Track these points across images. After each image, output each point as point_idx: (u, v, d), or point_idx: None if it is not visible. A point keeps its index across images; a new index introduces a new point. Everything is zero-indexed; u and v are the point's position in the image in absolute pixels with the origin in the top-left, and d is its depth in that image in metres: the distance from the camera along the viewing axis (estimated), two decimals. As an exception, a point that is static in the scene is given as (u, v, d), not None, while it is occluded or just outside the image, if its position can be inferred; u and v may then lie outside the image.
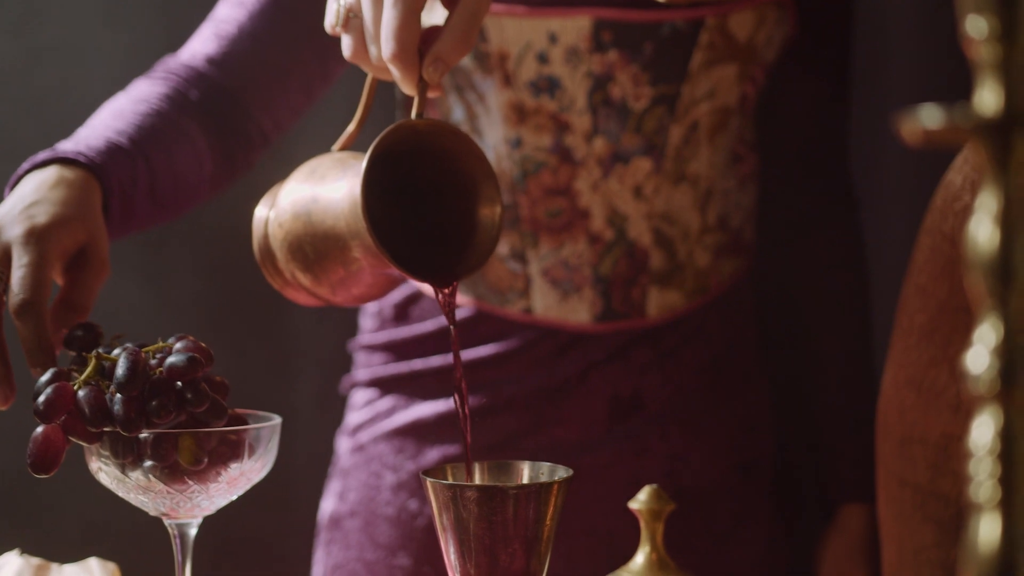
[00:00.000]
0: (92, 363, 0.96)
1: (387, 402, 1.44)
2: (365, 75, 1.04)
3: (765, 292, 1.50)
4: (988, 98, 0.53)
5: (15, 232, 1.04)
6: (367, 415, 1.45)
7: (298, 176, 1.04)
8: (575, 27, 1.30)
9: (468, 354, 1.40)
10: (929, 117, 0.53)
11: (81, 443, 0.96)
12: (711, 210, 1.40)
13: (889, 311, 1.32)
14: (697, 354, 1.41)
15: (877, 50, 1.64)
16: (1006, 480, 0.54)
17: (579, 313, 1.38)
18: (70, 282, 1.07)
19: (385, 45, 0.96)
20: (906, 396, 1.21)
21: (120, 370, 0.94)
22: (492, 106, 1.34)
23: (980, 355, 0.54)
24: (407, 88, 0.98)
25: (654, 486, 0.99)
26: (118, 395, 0.94)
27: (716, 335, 1.42)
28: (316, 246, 1.00)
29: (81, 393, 0.95)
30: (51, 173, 1.12)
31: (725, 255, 1.42)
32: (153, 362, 0.96)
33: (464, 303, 1.39)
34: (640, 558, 1.00)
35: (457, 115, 1.37)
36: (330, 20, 1.01)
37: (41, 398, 0.95)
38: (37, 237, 1.04)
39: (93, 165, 1.15)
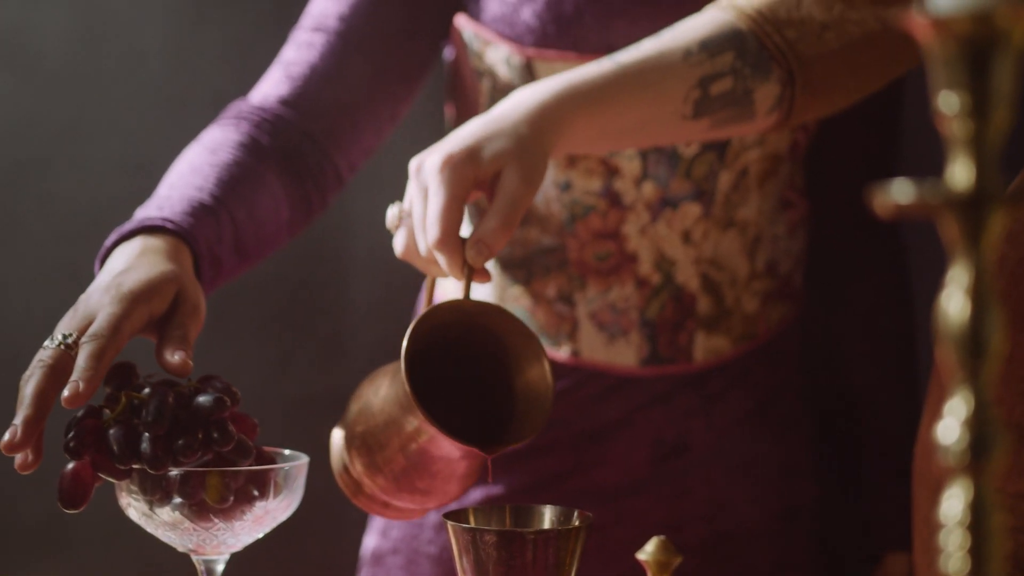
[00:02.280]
0: (123, 401, 0.98)
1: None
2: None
3: (811, 337, 1.49)
4: (960, 174, 0.53)
5: (103, 300, 1.04)
6: (411, 452, 1.46)
7: (361, 386, 1.10)
8: None
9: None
10: (900, 192, 0.53)
11: (110, 480, 0.99)
12: (760, 256, 1.40)
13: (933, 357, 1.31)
14: (742, 399, 1.41)
15: (927, 96, 1.63)
16: (976, 552, 0.54)
17: (625, 356, 1.38)
18: (164, 326, 1.07)
19: (429, 231, 1.03)
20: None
21: (148, 409, 0.96)
22: (543, 150, 1.35)
23: (951, 427, 0.54)
24: (454, 274, 1.03)
25: (661, 537, 0.99)
26: (146, 433, 0.96)
27: (762, 381, 1.42)
28: (377, 436, 1.04)
29: (111, 431, 0.97)
30: (138, 244, 1.12)
31: (773, 301, 1.42)
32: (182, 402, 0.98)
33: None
34: (646, 610, 1.01)
35: (508, 158, 1.38)
36: (389, 223, 1.09)
37: (71, 435, 0.97)
38: (121, 297, 1.04)
39: (181, 231, 1.15)
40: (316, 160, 1.33)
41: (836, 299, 1.49)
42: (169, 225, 1.15)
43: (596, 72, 1.11)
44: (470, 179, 1.04)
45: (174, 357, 1.02)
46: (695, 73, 1.13)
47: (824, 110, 1.20)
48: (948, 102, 0.53)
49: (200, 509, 0.98)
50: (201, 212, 1.19)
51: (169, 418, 0.96)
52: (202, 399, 0.98)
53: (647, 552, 1.00)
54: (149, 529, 1.01)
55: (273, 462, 1.03)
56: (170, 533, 1.00)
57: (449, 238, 1.02)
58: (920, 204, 0.53)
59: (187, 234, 1.15)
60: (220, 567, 1.03)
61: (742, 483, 1.40)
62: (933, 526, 1.19)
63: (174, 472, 0.98)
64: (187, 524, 0.99)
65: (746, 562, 1.40)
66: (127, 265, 1.09)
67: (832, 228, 1.48)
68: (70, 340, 1.01)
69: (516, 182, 1.04)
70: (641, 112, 1.12)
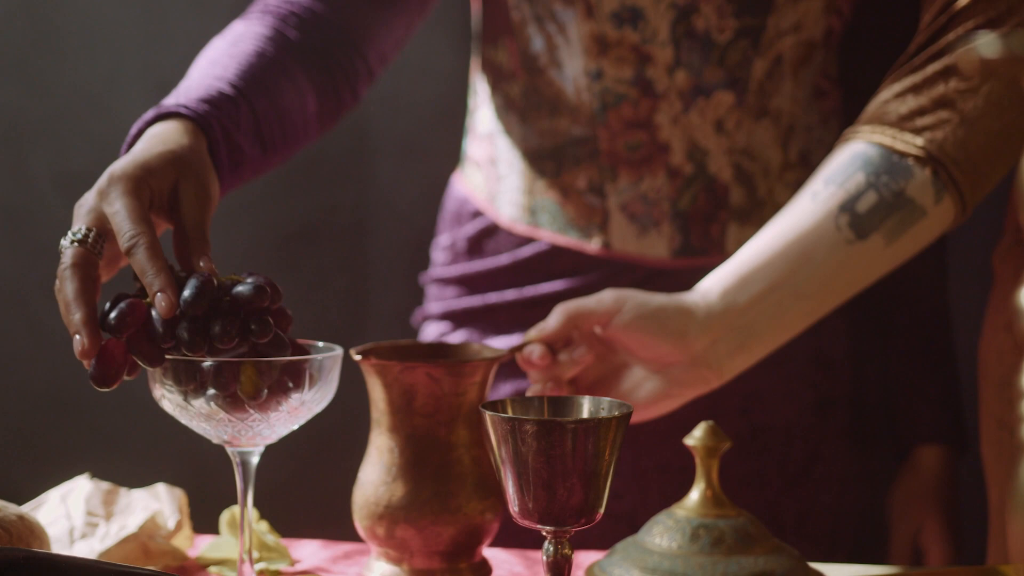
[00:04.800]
0: None
1: (460, 336, 1.43)
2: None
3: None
4: (1050, 27, 0.51)
5: (104, 191, 1.03)
6: (440, 348, 1.44)
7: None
8: None
9: (545, 288, 1.39)
10: (987, 47, 0.51)
11: (144, 365, 0.97)
12: (793, 146, 1.37)
13: (972, 249, 1.30)
14: (775, 292, 1.39)
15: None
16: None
17: (657, 248, 1.36)
18: (177, 222, 1.06)
19: None
20: (1004, 340, 1.20)
21: (188, 290, 0.95)
22: (573, 37, 1.33)
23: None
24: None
25: (710, 423, 0.98)
26: (184, 317, 0.95)
27: (795, 273, 1.40)
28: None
29: (154, 312, 0.96)
30: (148, 132, 1.11)
31: (807, 192, 1.40)
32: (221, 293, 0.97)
33: (542, 237, 1.38)
34: (695, 494, 0.99)
35: (537, 46, 1.35)
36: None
37: (114, 312, 0.96)
38: (114, 182, 1.03)
39: (195, 115, 1.13)
40: (346, 53, 1.31)
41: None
42: (183, 110, 1.14)
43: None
44: (587, 312, 1.16)
45: (200, 264, 1.02)
46: (831, 204, 1.16)
47: (999, 176, 1.19)
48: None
49: (235, 400, 0.97)
50: (219, 99, 1.17)
51: (208, 298, 0.94)
52: (241, 288, 0.96)
53: (695, 437, 0.98)
54: (184, 421, 1.00)
55: (307, 354, 1.01)
56: (205, 424, 0.98)
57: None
58: (1008, 59, 0.50)
59: (200, 119, 1.14)
60: (255, 459, 1.02)
61: (776, 376, 1.38)
62: (999, 421, 1.18)
63: (208, 363, 0.96)
64: (222, 415, 0.97)
65: (780, 455, 1.39)
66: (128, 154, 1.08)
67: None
68: (79, 235, 1.01)
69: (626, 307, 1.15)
70: (794, 257, 1.16)
